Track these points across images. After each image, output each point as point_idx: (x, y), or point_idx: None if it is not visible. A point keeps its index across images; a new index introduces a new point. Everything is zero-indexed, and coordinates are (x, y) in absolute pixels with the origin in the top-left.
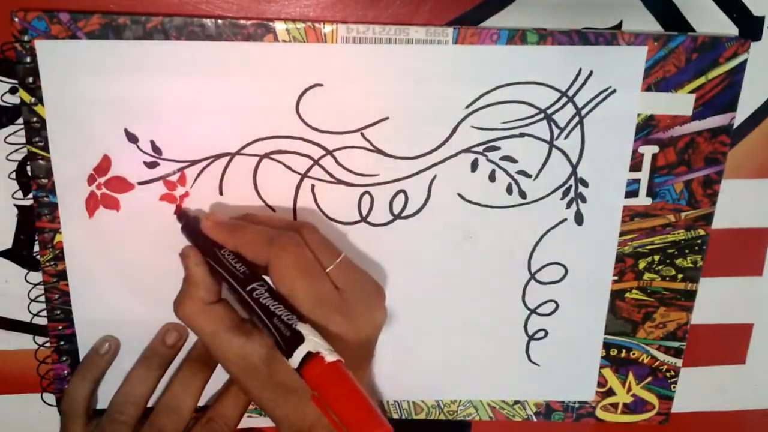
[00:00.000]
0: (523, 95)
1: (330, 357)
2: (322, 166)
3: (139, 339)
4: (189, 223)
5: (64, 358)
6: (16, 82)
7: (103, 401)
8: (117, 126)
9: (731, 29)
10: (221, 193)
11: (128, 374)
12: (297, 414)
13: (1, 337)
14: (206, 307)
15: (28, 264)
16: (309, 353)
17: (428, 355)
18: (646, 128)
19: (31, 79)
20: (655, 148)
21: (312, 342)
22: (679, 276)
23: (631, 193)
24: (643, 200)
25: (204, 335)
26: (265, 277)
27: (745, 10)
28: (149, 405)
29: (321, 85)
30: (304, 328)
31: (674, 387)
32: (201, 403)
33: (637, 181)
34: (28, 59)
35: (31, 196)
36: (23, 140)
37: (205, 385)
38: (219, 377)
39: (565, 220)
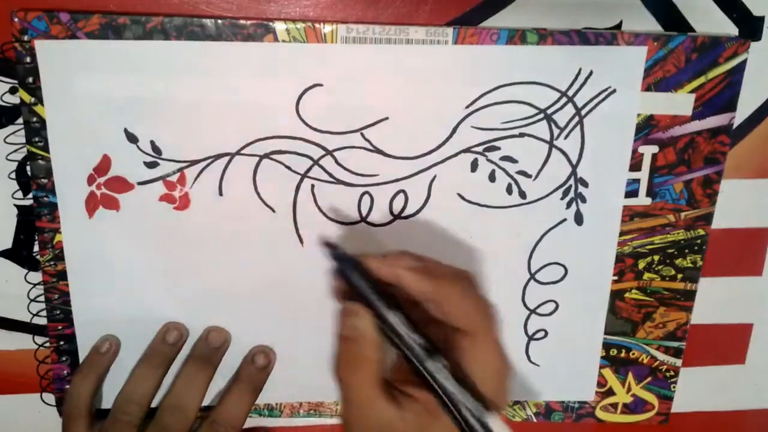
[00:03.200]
0: (523, 95)
1: None
2: (321, 166)
3: (140, 339)
4: (349, 262)
5: (64, 358)
6: (16, 82)
7: (107, 401)
8: (117, 126)
9: (731, 29)
10: (221, 194)
11: (130, 374)
12: None
13: (1, 337)
14: (379, 377)
15: (28, 264)
16: None
17: None
18: (646, 128)
19: (31, 79)
20: (655, 148)
21: None
22: (679, 276)
23: (631, 193)
24: (642, 200)
25: (358, 401)
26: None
27: (745, 10)
28: (153, 405)
29: (321, 85)
30: (494, 423)
31: (674, 387)
32: (205, 403)
33: (637, 181)
34: (28, 59)
35: (31, 196)
36: (23, 140)
37: (209, 382)
38: (222, 376)
39: (565, 220)
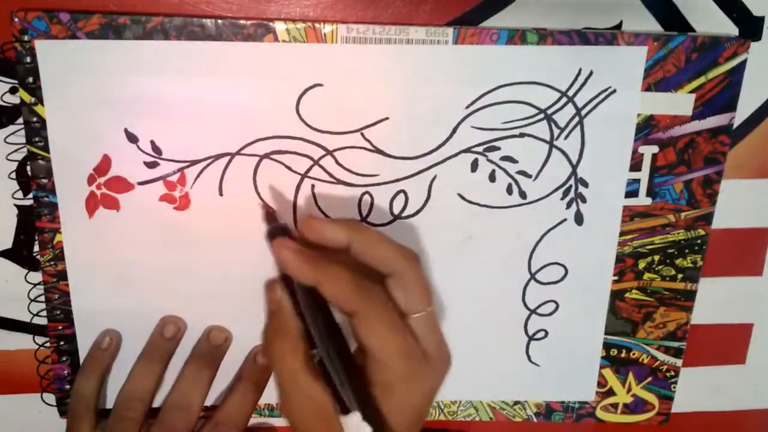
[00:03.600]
0: (523, 95)
1: None
2: (322, 166)
3: (141, 339)
4: (276, 231)
5: (64, 358)
6: (16, 82)
7: (110, 401)
8: (117, 126)
9: (731, 29)
10: (221, 194)
11: (130, 371)
12: None
13: (1, 337)
14: (298, 347)
15: (28, 264)
16: None
17: None
18: (646, 128)
19: (31, 79)
20: (655, 148)
21: None
22: (679, 276)
23: (631, 193)
24: (643, 200)
25: (285, 375)
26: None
27: (745, 10)
28: (156, 405)
29: (321, 85)
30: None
31: (674, 387)
32: (207, 403)
33: (637, 181)
34: (28, 59)
35: (31, 196)
36: (23, 140)
37: (212, 381)
38: (224, 377)
39: (565, 220)
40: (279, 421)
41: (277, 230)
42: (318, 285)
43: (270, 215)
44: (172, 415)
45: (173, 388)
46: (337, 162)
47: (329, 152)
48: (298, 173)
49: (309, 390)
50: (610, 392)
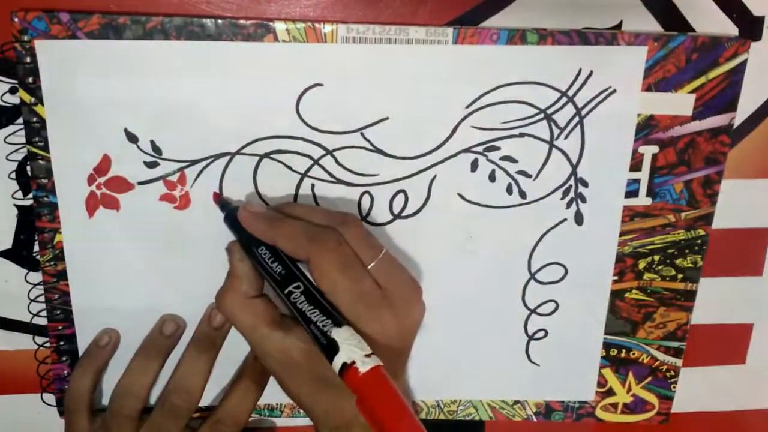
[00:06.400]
0: (523, 95)
1: (364, 367)
2: (322, 166)
3: (140, 338)
4: (231, 213)
5: (64, 359)
6: (16, 82)
7: (107, 399)
8: (117, 126)
9: (731, 29)
10: (221, 193)
11: (127, 366)
12: (336, 410)
13: (1, 337)
14: (246, 301)
15: (28, 264)
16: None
17: (428, 355)
18: (646, 128)
19: (31, 79)
20: (655, 148)
21: (347, 351)
22: (679, 276)
23: (631, 193)
24: (643, 200)
25: (243, 329)
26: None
27: (745, 10)
28: (152, 405)
29: (321, 85)
30: (340, 335)
31: (674, 387)
32: (207, 402)
33: (637, 181)
34: (28, 59)
35: (31, 196)
36: (23, 140)
37: (213, 364)
38: (224, 373)
39: (565, 220)
40: (279, 420)
41: (233, 212)
42: (275, 242)
43: (223, 201)
44: (173, 399)
45: (174, 372)
46: (337, 162)
47: (329, 152)
48: (298, 173)
49: (271, 339)
50: (610, 392)
